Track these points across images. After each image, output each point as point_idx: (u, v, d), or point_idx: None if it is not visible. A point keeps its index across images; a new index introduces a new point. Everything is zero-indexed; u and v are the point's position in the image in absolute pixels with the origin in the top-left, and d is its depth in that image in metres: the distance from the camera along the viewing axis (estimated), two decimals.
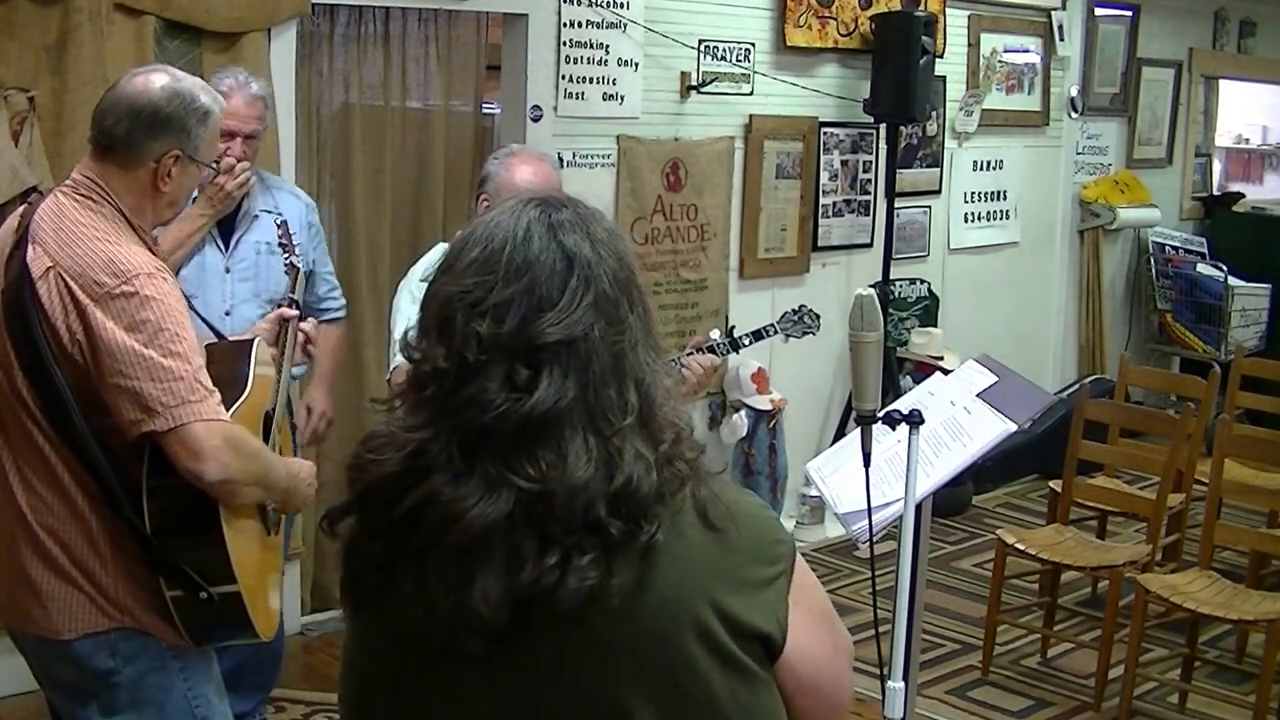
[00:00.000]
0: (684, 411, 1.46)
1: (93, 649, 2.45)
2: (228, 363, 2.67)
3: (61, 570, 2.43)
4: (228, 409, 2.45)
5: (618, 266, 1.44)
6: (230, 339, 3.06)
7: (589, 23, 5.37)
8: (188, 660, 2.54)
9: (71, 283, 2.35)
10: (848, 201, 6.49)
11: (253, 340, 2.84)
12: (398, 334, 3.24)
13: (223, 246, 3.63)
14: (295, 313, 3.11)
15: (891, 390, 5.63)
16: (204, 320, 3.20)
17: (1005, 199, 7.40)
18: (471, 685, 1.40)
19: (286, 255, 3.46)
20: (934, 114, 6.72)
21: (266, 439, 2.73)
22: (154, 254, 2.51)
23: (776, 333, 3.91)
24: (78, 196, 2.46)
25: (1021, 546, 4.76)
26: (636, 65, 5.54)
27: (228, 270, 3.63)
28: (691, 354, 3.53)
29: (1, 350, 2.42)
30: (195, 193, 3.19)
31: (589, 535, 1.33)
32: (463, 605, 1.33)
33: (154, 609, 2.46)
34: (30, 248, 2.39)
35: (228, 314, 3.58)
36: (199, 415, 2.34)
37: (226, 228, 3.65)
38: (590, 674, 1.37)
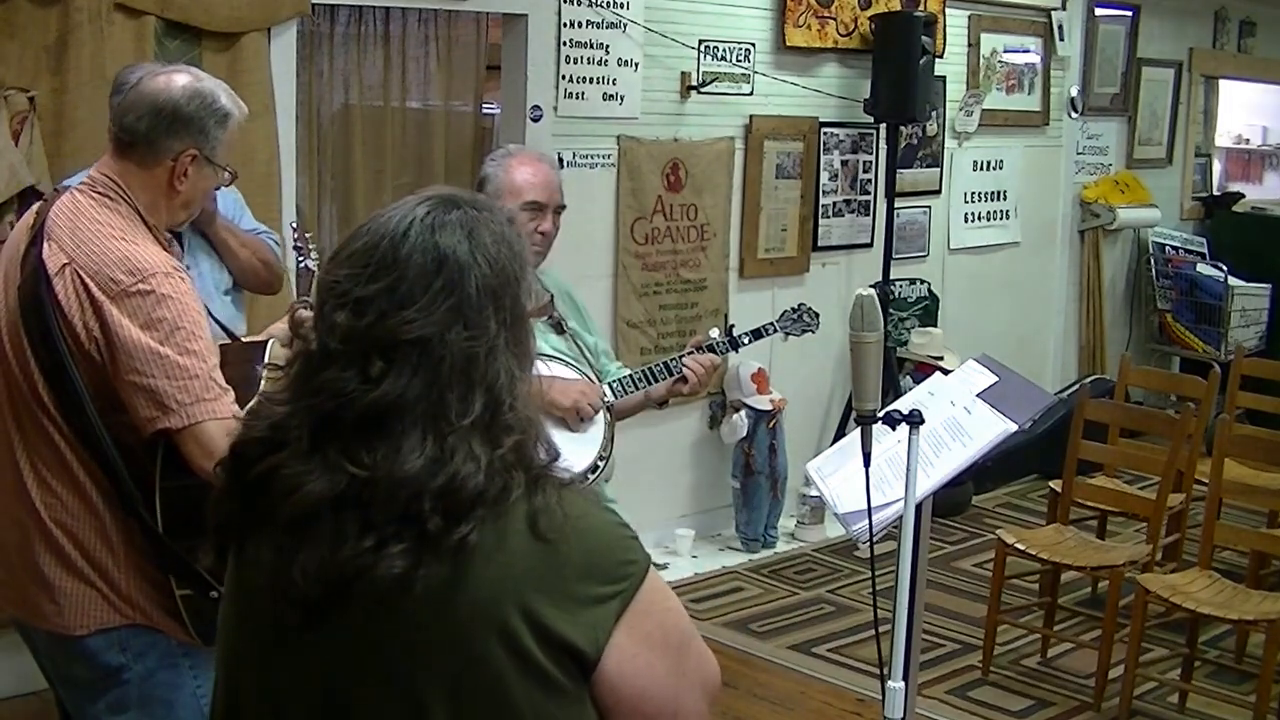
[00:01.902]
0: (538, 419, 1.49)
1: (104, 645, 2.46)
2: (241, 363, 2.68)
3: (74, 566, 2.44)
4: (241, 408, 2.45)
5: (491, 272, 1.46)
6: (244, 340, 3.06)
7: (589, 23, 5.37)
8: (197, 658, 2.55)
9: (88, 280, 2.36)
10: (848, 201, 6.49)
11: (266, 341, 2.85)
12: None
13: (180, 250, 3.62)
14: (310, 315, 3.11)
15: (891, 390, 5.63)
16: (218, 321, 3.20)
17: (1005, 199, 7.41)
18: (290, 654, 1.46)
19: (301, 259, 3.46)
20: (934, 114, 6.72)
21: None
22: (169, 253, 2.51)
23: (776, 331, 3.90)
24: (95, 194, 2.47)
25: (1022, 546, 4.76)
26: (636, 65, 5.55)
27: (188, 269, 3.62)
28: (691, 353, 3.53)
29: (18, 347, 2.42)
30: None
31: (406, 526, 1.38)
32: (286, 574, 1.41)
33: (165, 607, 2.47)
34: (46, 245, 2.40)
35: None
36: (213, 414, 2.36)
37: (175, 232, 3.63)
38: (394, 662, 1.42)
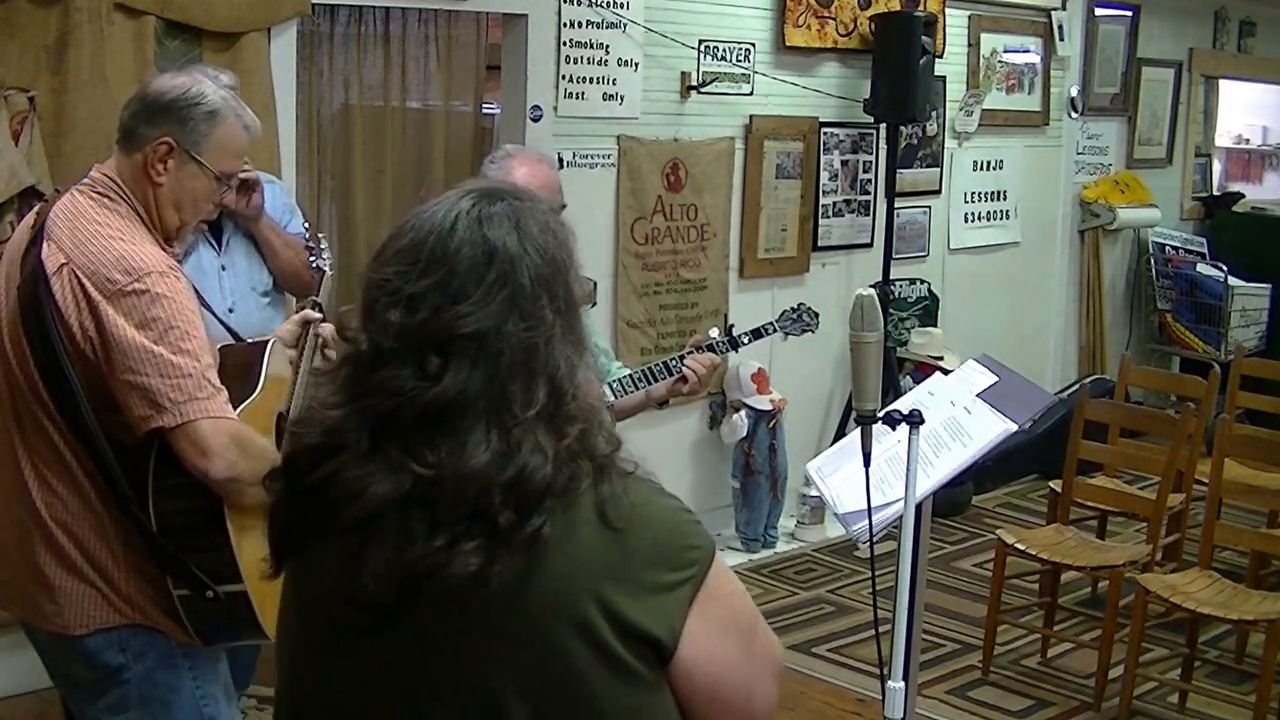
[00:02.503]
0: (600, 407, 1.48)
1: (103, 644, 2.46)
2: (241, 364, 2.69)
3: (74, 566, 2.44)
4: (236, 408, 2.46)
5: (541, 261, 1.45)
6: (248, 341, 3.07)
7: (589, 23, 5.37)
8: (196, 659, 2.55)
9: (85, 279, 2.36)
10: (848, 201, 6.49)
11: (268, 342, 2.84)
12: None
13: (215, 245, 3.64)
14: (319, 315, 3.11)
15: (891, 390, 5.63)
16: (219, 320, 3.20)
17: (1005, 199, 7.41)
18: (360, 658, 1.44)
19: (314, 259, 3.47)
20: (934, 114, 6.72)
21: (279, 441, 2.73)
22: (167, 252, 2.52)
23: (775, 331, 3.90)
24: (94, 194, 2.48)
25: (1021, 546, 4.76)
26: (636, 65, 5.55)
27: (224, 268, 3.63)
28: (691, 353, 3.53)
29: (18, 347, 2.43)
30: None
31: (477, 522, 1.36)
32: (355, 578, 1.38)
33: (163, 607, 2.47)
34: (45, 245, 2.40)
35: (231, 310, 3.59)
36: (206, 412, 2.36)
37: (215, 226, 3.65)
38: (468, 659, 1.40)
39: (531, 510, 1.37)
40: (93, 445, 2.40)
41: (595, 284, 3.47)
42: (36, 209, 2.54)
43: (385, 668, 1.43)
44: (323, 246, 3.53)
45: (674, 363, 3.51)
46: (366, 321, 1.44)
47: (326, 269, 3.43)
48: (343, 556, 1.40)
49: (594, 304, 3.46)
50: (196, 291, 2.65)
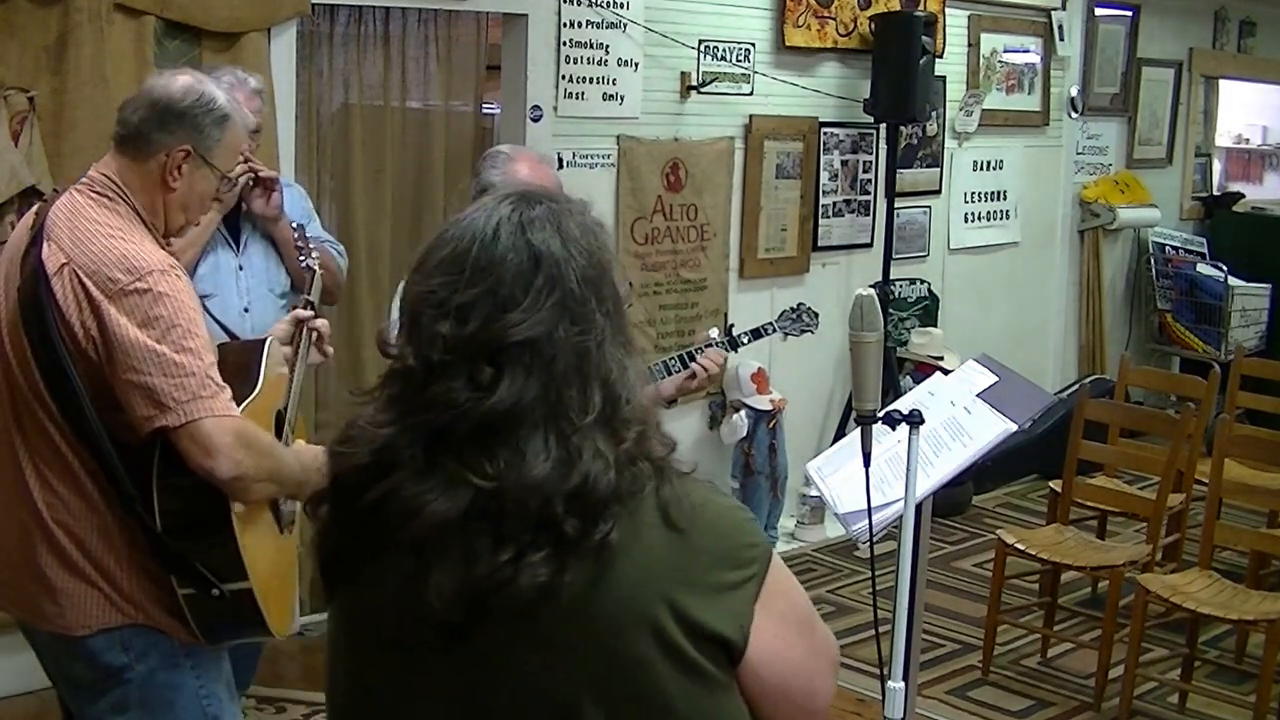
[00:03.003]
0: (653, 409, 1.46)
1: (106, 645, 2.46)
2: (239, 362, 2.68)
3: (76, 567, 2.44)
4: (237, 406, 2.46)
5: (587, 264, 1.42)
6: (243, 339, 3.07)
7: (589, 23, 5.37)
8: (199, 658, 2.54)
9: (86, 279, 2.36)
10: (848, 201, 6.49)
11: (265, 340, 2.85)
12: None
13: (233, 245, 3.65)
14: (310, 314, 3.12)
15: (891, 390, 5.62)
16: (217, 320, 3.20)
17: (1005, 199, 7.40)
18: (425, 678, 1.42)
19: (304, 258, 3.48)
20: (934, 114, 6.72)
21: (279, 438, 2.74)
22: (168, 252, 2.52)
23: (775, 331, 3.90)
24: (93, 194, 2.47)
25: (1021, 546, 4.76)
26: (636, 65, 5.54)
27: (241, 268, 3.65)
28: (702, 348, 3.53)
29: (19, 348, 2.43)
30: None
31: (543, 532, 1.34)
32: (418, 598, 1.35)
33: (166, 606, 2.47)
34: (45, 245, 2.40)
35: (246, 310, 3.60)
36: (210, 411, 2.35)
37: (233, 226, 3.67)
38: (541, 670, 1.38)
39: (597, 517, 1.35)
40: (95, 445, 2.40)
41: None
42: (35, 209, 2.54)
43: (456, 685, 1.40)
44: (311, 246, 3.54)
45: (673, 363, 3.51)
46: (412, 335, 1.41)
47: (315, 268, 3.44)
48: (402, 577, 1.37)
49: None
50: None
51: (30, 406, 2.43)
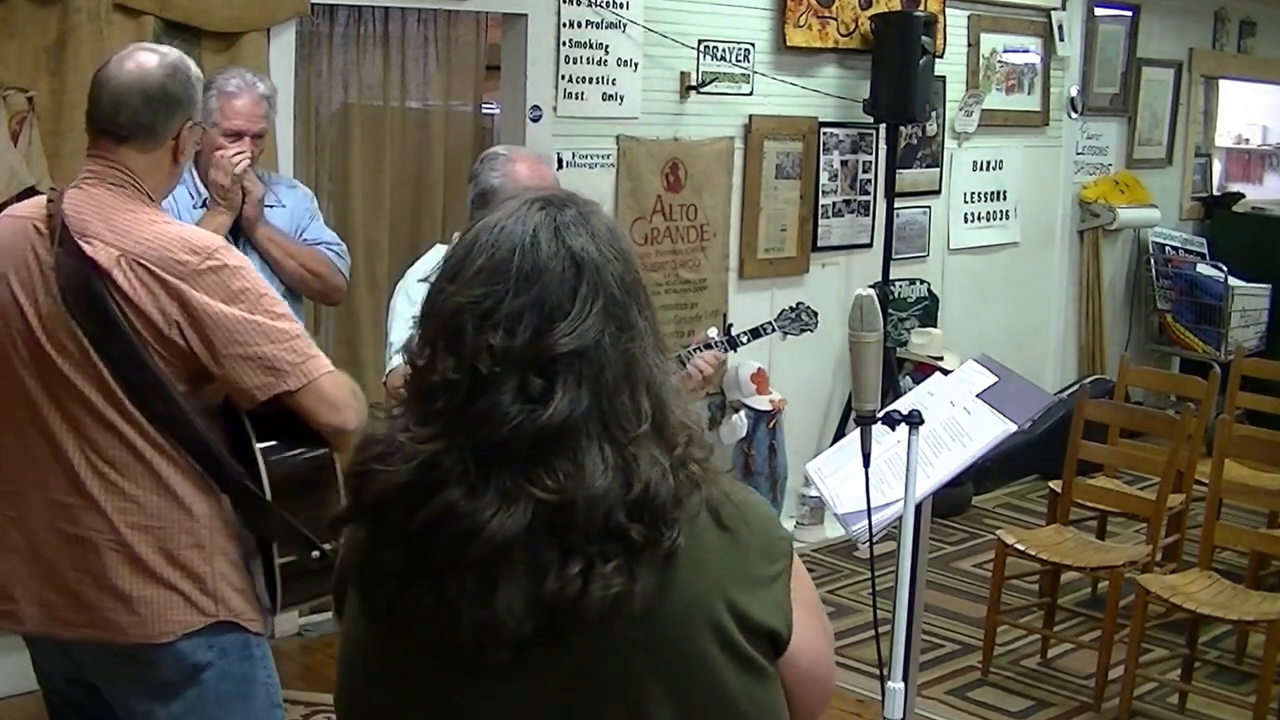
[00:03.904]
0: (693, 411, 1.46)
1: (190, 648, 2.42)
2: None
3: (154, 572, 2.39)
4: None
5: (624, 269, 1.41)
6: None
7: (588, 23, 5.37)
8: (264, 647, 2.55)
9: (152, 266, 2.32)
10: (847, 202, 6.49)
11: None
12: (394, 336, 3.23)
13: (234, 246, 3.66)
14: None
15: (891, 391, 5.62)
16: None
17: (1005, 199, 7.40)
18: (497, 695, 1.40)
19: None
20: (934, 114, 6.72)
21: None
22: None
23: (774, 330, 3.91)
24: (109, 185, 2.42)
25: (1021, 547, 4.76)
26: (636, 65, 5.54)
27: None
28: (697, 350, 3.53)
29: (68, 353, 2.35)
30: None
31: (611, 542, 1.33)
32: (487, 617, 1.33)
33: (244, 593, 2.46)
34: (84, 243, 2.34)
35: None
36: (324, 368, 2.39)
37: (233, 227, 3.69)
38: (613, 677, 1.38)
39: (661, 524, 1.34)
40: (186, 432, 2.37)
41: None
42: (35, 213, 2.45)
43: (527, 701, 1.39)
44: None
45: (682, 360, 3.51)
46: (453, 347, 1.36)
47: None
48: (467, 595, 1.34)
49: None
50: None
51: (95, 411, 2.36)
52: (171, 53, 2.52)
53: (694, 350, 3.52)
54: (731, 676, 1.39)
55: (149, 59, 2.47)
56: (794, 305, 3.98)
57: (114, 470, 2.38)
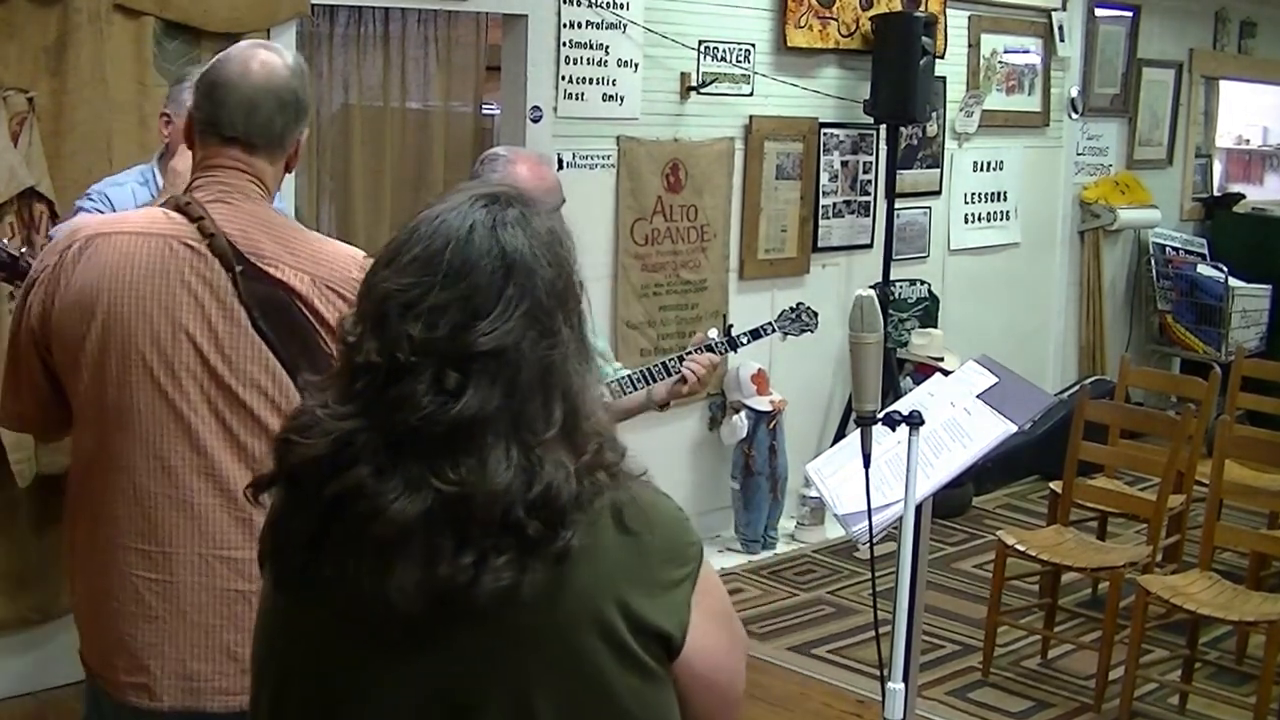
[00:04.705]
0: (609, 420, 1.48)
1: None
2: None
3: None
4: None
5: (555, 274, 1.43)
6: None
7: (589, 23, 5.37)
8: None
9: (341, 289, 2.21)
10: (848, 202, 6.49)
11: None
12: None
13: None
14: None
15: (892, 391, 5.62)
16: None
17: (1005, 200, 7.40)
18: (388, 669, 1.44)
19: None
20: (934, 115, 6.72)
21: None
22: None
23: (774, 331, 3.90)
24: (257, 200, 2.27)
25: (1022, 548, 4.76)
26: (636, 66, 5.54)
27: None
28: (692, 353, 3.53)
29: (274, 394, 2.19)
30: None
31: (506, 536, 1.36)
32: (381, 594, 1.37)
33: None
34: (267, 266, 2.19)
35: None
36: None
37: None
38: (499, 666, 1.41)
39: (559, 525, 1.37)
40: None
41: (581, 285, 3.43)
42: (198, 228, 2.21)
43: (413, 681, 1.43)
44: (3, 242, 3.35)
45: (673, 363, 3.51)
46: (378, 332, 1.40)
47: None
48: (367, 572, 1.38)
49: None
50: None
51: None
52: (289, 52, 2.37)
53: (686, 353, 3.53)
54: (618, 675, 1.41)
55: (274, 60, 2.30)
56: (794, 306, 3.98)
57: None
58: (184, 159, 2.69)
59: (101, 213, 3.25)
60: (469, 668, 1.41)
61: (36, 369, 2.25)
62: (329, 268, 2.23)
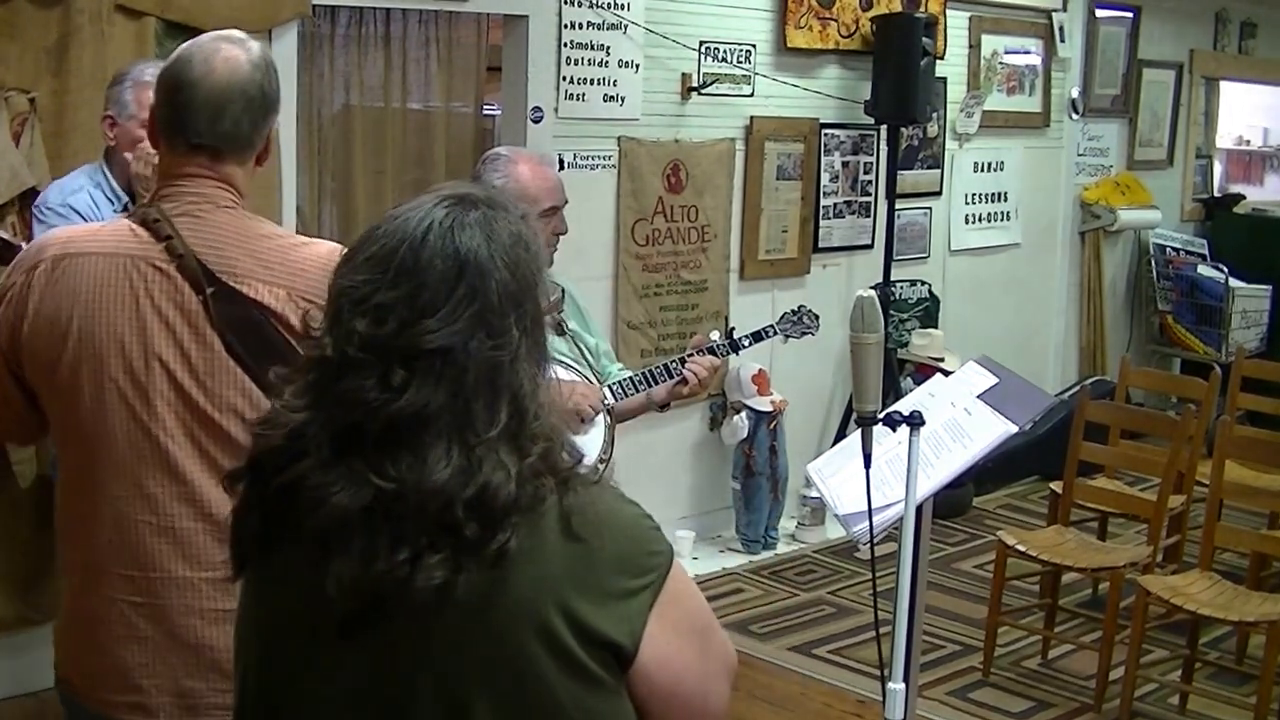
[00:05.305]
0: (561, 426, 1.48)
1: None
2: None
3: None
4: None
5: (511, 277, 1.44)
6: None
7: (589, 24, 5.37)
8: None
9: (318, 299, 2.02)
10: (848, 203, 6.49)
11: None
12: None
13: None
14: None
15: (892, 392, 5.62)
16: None
17: (1006, 200, 7.41)
18: (329, 664, 1.45)
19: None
20: (935, 115, 6.72)
21: None
22: None
23: (776, 334, 3.91)
24: (225, 208, 2.16)
25: (1022, 548, 4.76)
26: (637, 67, 5.55)
27: None
28: (693, 355, 3.53)
29: (228, 409, 2.11)
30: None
31: (442, 535, 1.37)
32: (316, 587, 1.38)
33: None
34: (237, 284, 2.10)
35: None
36: None
37: None
38: (435, 666, 1.41)
39: (496, 526, 1.37)
40: None
41: (563, 291, 3.44)
42: (164, 247, 2.11)
43: (356, 674, 1.44)
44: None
45: (674, 365, 3.51)
46: (332, 327, 1.43)
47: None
48: (308, 564, 1.40)
49: (562, 312, 3.46)
50: None
51: None
52: (251, 43, 2.22)
53: (687, 355, 3.53)
54: (561, 681, 1.41)
55: (237, 54, 2.17)
56: (795, 308, 3.98)
57: None
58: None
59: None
60: (401, 664, 1.42)
61: (8, 383, 2.19)
62: (305, 278, 2.13)
